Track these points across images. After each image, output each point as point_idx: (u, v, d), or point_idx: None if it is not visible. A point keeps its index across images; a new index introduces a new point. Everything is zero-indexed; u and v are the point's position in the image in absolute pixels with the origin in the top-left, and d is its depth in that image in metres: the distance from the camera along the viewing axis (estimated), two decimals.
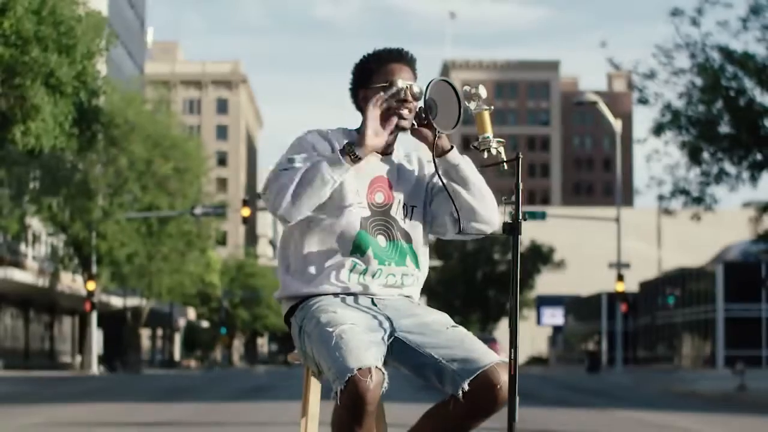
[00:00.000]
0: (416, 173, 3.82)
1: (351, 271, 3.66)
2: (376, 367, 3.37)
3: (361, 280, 3.66)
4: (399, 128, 3.69)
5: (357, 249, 3.67)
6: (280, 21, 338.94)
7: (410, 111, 3.68)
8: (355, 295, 3.66)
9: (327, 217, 3.65)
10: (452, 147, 3.68)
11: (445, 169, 3.68)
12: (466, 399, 3.52)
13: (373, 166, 3.73)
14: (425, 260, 3.81)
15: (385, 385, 3.40)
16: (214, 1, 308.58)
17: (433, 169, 3.73)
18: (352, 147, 3.54)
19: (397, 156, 3.82)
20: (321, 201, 3.57)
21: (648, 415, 15.75)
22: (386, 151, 3.76)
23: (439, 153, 3.66)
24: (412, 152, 3.90)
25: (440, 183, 3.75)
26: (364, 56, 3.81)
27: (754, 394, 24.82)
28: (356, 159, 3.54)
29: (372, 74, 3.74)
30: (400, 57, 3.76)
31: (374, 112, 3.57)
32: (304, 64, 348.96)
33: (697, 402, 21.99)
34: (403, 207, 3.75)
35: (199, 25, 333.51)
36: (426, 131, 3.66)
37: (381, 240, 3.70)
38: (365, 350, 3.41)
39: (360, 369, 3.34)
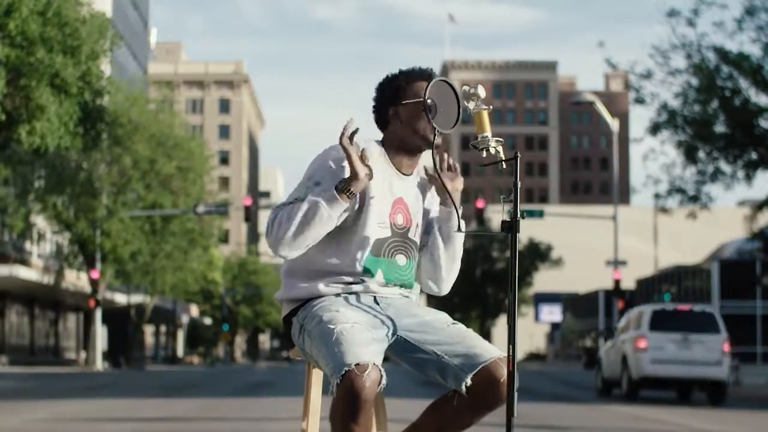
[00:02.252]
0: (428, 201, 3.86)
1: (356, 283, 3.68)
2: (374, 364, 3.37)
3: (362, 288, 3.68)
4: (430, 144, 3.72)
5: (367, 271, 3.69)
6: (281, 22, 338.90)
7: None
8: (356, 294, 3.67)
9: (345, 234, 3.66)
10: (460, 207, 3.78)
11: (442, 220, 3.79)
12: (469, 394, 3.56)
13: (394, 187, 3.75)
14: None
15: (383, 382, 3.40)
16: (216, 3, 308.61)
17: (437, 209, 3.85)
18: (347, 184, 3.52)
19: (417, 177, 3.84)
20: (320, 238, 3.57)
21: (643, 410, 15.97)
22: (408, 172, 3.80)
23: (449, 205, 3.76)
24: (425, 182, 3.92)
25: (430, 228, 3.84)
26: (392, 75, 3.80)
27: (749, 389, 25.19)
28: (351, 195, 3.53)
29: (402, 91, 3.74)
30: (430, 76, 3.75)
31: (352, 149, 3.52)
32: (305, 64, 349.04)
33: (693, 397, 22.12)
34: (419, 229, 3.81)
35: (201, 26, 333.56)
36: (444, 181, 3.74)
37: (401, 259, 3.73)
38: (364, 347, 3.42)
39: (357, 364, 3.35)
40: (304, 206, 3.52)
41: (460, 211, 3.79)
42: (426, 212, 3.86)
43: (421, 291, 3.91)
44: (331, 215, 3.52)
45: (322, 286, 3.67)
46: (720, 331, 20.60)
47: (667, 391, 21.92)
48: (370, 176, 3.57)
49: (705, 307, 22.96)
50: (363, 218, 3.65)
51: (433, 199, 3.88)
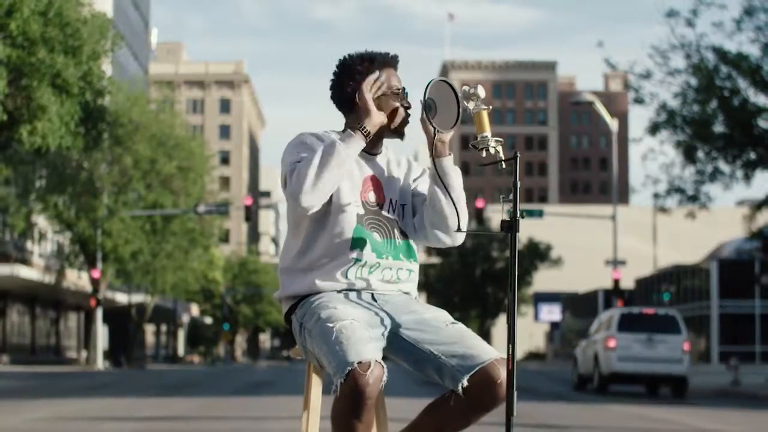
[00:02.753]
0: (404, 174, 3.86)
1: (350, 266, 3.68)
2: (376, 361, 3.39)
3: (359, 274, 3.69)
4: (400, 136, 3.78)
5: (356, 244, 3.68)
6: (281, 22, 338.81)
7: (409, 115, 3.77)
8: (356, 291, 3.69)
9: (326, 217, 3.68)
10: (450, 154, 3.74)
11: (435, 172, 3.73)
12: (466, 394, 3.55)
13: (363, 166, 3.76)
14: (416, 256, 3.87)
15: (384, 378, 3.42)
16: (216, 3, 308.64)
17: (419, 173, 3.88)
18: (362, 123, 3.61)
19: (386, 157, 3.85)
20: (340, 181, 3.60)
21: (643, 409, 16.07)
22: (375, 152, 3.80)
23: (436, 154, 3.72)
24: (401, 155, 3.93)
25: (419, 189, 3.86)
26: (355, 56, 3.78)
27: (748, 388, 25.07)
28: (367, 134, 3.61)
29: (364, 79, 3.72)
30: (394, 62, 3.79)
31: (369, 94, 3.63)
32: (305, 64, 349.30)
33: (692, 396, 22.35)
34: (395, 206, 3.80)
35: (201, 26, 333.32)
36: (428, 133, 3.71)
37: (376, 236, 3.72)
38: (365, 344, 3.43)
39: (360, 363, 3.36)
40: (320, 151, 3.55)
41: (462, 212, 3.76)
42: (406, 188, 3.86)
43: (433, 248, 3.97)
44: (349, 154, 3.55)
45: (318, 281, 3.69)
46: (681, 332, 23.12)
47: (634, 385, 24.71)
48: (385, 121, 3.65)
49: (668, 310, 25.59)
50: (336, 200, 3.66)
51: (411, 174, 3.89)
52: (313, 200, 3.56)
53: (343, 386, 3.36)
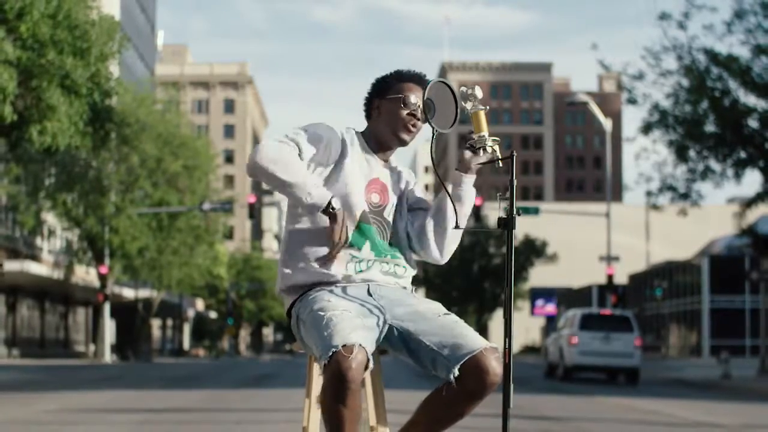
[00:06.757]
0: (403, 183, 3.92)
1: (349, 262, 3.71)
2: (361, 345, 3.36)
3: (358, 268, 3.72)
4: (401, 142, 3.81)
5: (356, 242, 3.72)
6: (282, 25, 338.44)
7: (416, 126, 3.80)
8: (354, 283, 3.72)
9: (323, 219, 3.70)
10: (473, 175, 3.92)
11: (454, 187, 3.90)
12: (458, 384, 3.54)
13: (373, 167, 3.81)
14: (412, 259, 3.92)
15: (371, 365, 3.39)
16: (219, 6, 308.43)
17: (412, 182, 3.95)
18: (330, 213, 3.63)
19: (393, 164, 3.93)
20: (278, 188, 3.62)
21: (636, 402, 16.28)
22: (385, 158, 3.88)
23: (462, 169, 3.89)
24: (399, 165, 3.97)
25: (415, 193, 3.94)
26: (389, 72, 3.89)
27: (738, 381, 25.44)
28: (327, 215, 3.64)
29: (389, 88, 3.81)
30: (420, 80, 3.82)
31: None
32: (306, 65, 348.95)
33: (684, 389, 22.66)
34: (393, 210, 3.85)
35: (205, 28, 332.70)
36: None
37: (376, 236, 3.77)
38: (352, 331, 3.42)
39: (344, 346, 3.34)
40: (302, 173, 3.62)
41: (462, 210, 3.91)
42: (400, 195, 3.92)
43: (419, 261, 3.97)
44: (310, 199, 3.62)
45: (317, 273, 3.73)
46: (634, 331, 26.55)
47: (595, 374, 28.34)
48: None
49: (623, 311, 29.29)
50: (341, 196, 3.74)
51: (409, 183, 3.96)
52: (254, 172, 3.65)
53: (326, 369, 3.37)
